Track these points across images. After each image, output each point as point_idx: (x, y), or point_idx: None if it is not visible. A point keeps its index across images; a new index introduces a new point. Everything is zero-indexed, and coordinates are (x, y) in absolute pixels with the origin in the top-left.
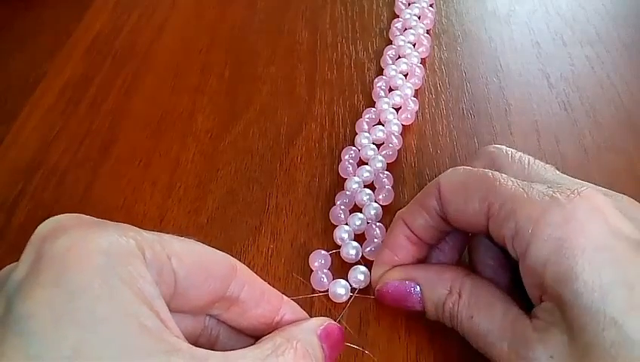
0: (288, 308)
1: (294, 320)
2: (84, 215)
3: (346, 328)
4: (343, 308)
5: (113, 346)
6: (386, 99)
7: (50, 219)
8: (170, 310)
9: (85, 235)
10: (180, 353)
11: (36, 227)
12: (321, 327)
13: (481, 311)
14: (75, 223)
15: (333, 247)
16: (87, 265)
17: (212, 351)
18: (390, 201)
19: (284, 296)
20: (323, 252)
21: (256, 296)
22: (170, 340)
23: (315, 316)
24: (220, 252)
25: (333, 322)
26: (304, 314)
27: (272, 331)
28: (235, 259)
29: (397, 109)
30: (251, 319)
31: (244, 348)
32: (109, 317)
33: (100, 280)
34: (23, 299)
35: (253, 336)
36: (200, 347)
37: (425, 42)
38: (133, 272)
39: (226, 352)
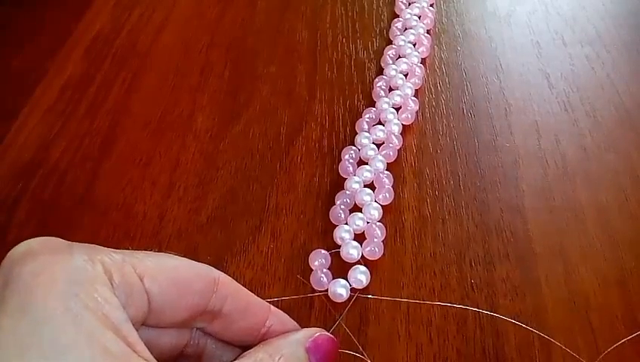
0: (276, 319)
1: (283, 331)
2: (54, 238)
3: (345, 330)
4: (343, 309)
5: None
6: (386, 99)
7: (22, 243)
8: (149, 326)
9: (51, 261)
10: None
11: (36, 226)
12: (310, 339)
13: None
14: (42, 248)
15: (333, 247)
16: (51, 293)
17: None
18: (390, 201)
19: (272, 307)
20: (323, 251)
21: (240, 308)
22: None
23: (315, 316)
24: (200, 264)
25: (325, 333)
26: (294, 324)
27: (259, 342)
28: (217, 271)
29: (397, 109)
30: (236, 331)
31: None
32: (73, 345)
33: (63, 307)
34: None
35: (240, 346)
36: (187, 357)
37: (425, 42)
38: (98, 298)
39: None
